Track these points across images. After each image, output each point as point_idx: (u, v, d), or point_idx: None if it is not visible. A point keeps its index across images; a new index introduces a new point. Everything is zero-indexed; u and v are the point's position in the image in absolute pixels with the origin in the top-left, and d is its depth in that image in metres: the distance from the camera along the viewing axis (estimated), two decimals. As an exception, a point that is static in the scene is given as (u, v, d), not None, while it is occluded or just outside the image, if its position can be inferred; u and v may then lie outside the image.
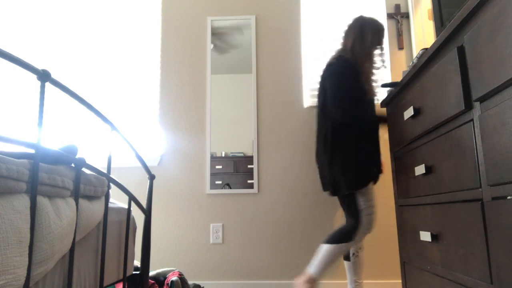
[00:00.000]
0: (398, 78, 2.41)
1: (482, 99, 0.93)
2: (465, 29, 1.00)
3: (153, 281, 1.79)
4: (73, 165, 0.87)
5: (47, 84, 1.62)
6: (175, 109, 2.48)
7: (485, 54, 0.89)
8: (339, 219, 2.29)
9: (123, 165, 2.43)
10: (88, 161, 0.89)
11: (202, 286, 2.01)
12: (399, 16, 2.46)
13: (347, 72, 1.74)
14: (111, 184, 1.13)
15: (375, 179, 1.75)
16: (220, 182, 2.37)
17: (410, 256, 1.45)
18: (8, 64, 2.60)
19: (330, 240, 1.68)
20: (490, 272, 0.90)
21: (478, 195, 0.96)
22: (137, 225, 2.08)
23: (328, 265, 1.67)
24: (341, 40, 1.90)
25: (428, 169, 1.24)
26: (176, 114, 2.47)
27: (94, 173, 0.98)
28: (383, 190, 2.30)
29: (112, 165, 2.45)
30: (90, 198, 0.97)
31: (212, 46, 2.52)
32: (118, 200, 2.30)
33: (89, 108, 0.94)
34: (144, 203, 2.33)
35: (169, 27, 2.57)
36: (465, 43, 0.99)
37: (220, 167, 2.38)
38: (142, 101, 2.53)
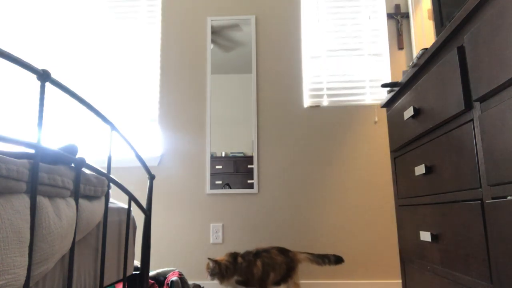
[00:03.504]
0: (398, 78, 2.41)
1: (482, 99, 0.93)
2: (465, 29, 1.00)
3: (153, 281, 1.79)
4: (73, 165, 0.87)
5: (47, 84, 1.62)
6: (175, 109, 2.48)
7: (485, 54, 0.89)
8: (339, 219, 2.29)
9: (123, 165, 2.43)
10: (88, 161, 0.89)
11: (202, 286, 2.01)
12: (399, 16, 2.46)
13: None
14: (111, 184, 1.13)
15: None
16: (220, 182, 2.37)
17: (410, 256, 1.45)
18: (8, 64, 2.60)
19: None
20: (490, 272, 0.90)
21: (478, 195, 0.96)
22: (137, 225, 2.08)
23: None
24: None
25: (428, 169, 1.24)
26: (176, 114, 2.47)
27: (94, 173, 0.98)
28: (383, 190, 2.30)
29: (112, 165, 2.45)
30: (90, 198, 0.97)
31: (212, 46, 2.52)
32: (118, 200, 2.30)
33: (89, 108, 0.94)
34: (144, 203, 2.33)
35: (169, 27, 2.57)
36: (465, 43, 0.99)
37: (220, 167, 2.38)
38: (142, 101, 2.53)
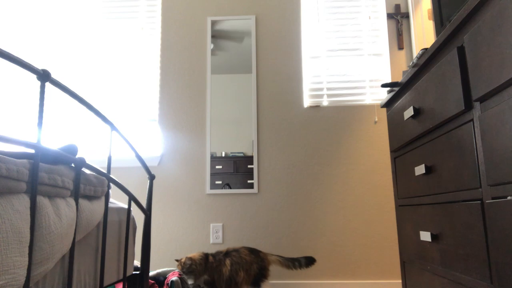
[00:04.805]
0: (398, 78, 2.41)
1: (482, 99, 0.93)
2: (465, 29, 1.00)
3: (153, 281, 1.79)
4: (73, 165, 0.87)
5: (47, 84, 1.62)
6: (175, 109, 2.48)
7: (485, 54, 0.89)
8: (339, 219, 2.29)
9: (123, 165, 2.43)
10: (88, 161, 0.89)
11: (202, 286, 2.01)
12: (399, 16, 2.46)
13: None
14: (111, 184, 1.13)
15: None
16: (220, 182, 2.37)
17: (410, 256, 1.45)
18: (8, 64, 2.60)
19: None
20: (490, 272, 0.90)
21: (478, 195, 0.96)
22: (137, 225, 2.08)
23: None
24: None
25: (428, 169, 1.24)
26: (176, 114, 2.47)
27: (94, 173, 0.98)
28: (383, 190, 2.30)
29: (112, 165, 2.45)
30: (90, 198, 0.97)
31: (212, 46, 2.52)
32: (118, 200, 2.31)
33: (89, 108, 0.94)
34: (144, 203, 2.33)
35: (169, 27, 2.57)
36: (465, 43, 0.99)
37: (220, 167, 2.38)
38: (142, 101, 2.53)
